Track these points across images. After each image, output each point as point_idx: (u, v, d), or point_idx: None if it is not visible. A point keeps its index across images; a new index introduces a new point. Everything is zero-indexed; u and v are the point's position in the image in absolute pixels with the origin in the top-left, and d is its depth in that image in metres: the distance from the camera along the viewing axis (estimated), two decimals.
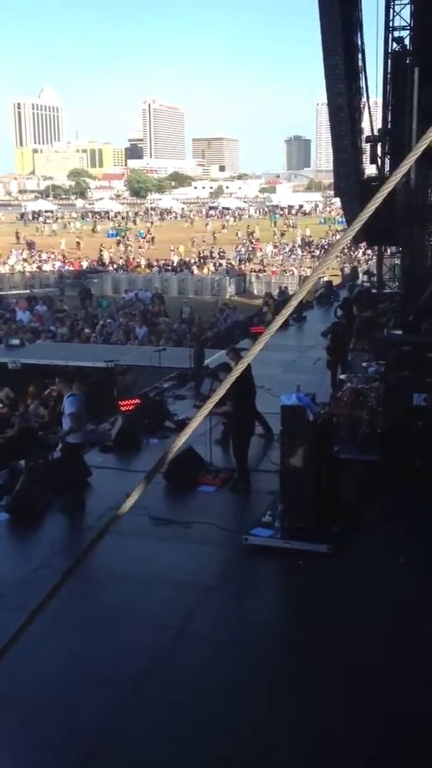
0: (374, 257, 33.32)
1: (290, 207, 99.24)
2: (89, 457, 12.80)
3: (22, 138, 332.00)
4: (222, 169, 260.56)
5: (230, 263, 51.49)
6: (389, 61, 21.09)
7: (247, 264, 52.18)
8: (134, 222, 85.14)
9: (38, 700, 6.66)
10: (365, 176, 22.71)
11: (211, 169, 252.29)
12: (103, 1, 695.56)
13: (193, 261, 52.15)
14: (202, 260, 51.96)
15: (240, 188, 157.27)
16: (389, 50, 21.12)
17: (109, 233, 70.75)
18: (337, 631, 7.73)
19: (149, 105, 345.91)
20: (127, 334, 28.95)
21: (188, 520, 10.30)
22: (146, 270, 49.26)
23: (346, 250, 46.99)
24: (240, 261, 53.20)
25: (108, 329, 30.01)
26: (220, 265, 50.87)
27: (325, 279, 33.43)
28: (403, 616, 7.86)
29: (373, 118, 23.13)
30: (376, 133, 22.87)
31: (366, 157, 22.97)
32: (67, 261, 53.50)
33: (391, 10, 20.83)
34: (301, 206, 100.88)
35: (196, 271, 48.62)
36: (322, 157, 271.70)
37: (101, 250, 55.98)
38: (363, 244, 40.74)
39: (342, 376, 14.73)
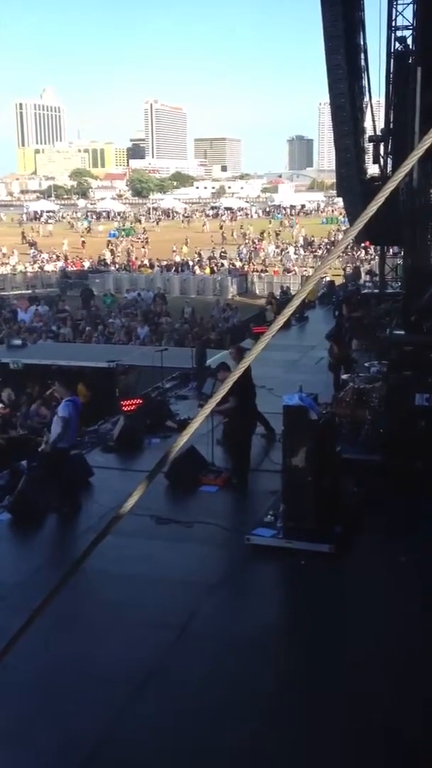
0: (376, 257, 33.28)
1: (292, 207, 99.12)
2: (91, 457, 12.81)
3: (24, 138, 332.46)
4: (224, 169, 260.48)
5: (232, 263, 51.50)
6: (392, 60, 21.06)
7: (249, 264, 52.17)
8: (139, 221, 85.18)
9: (39, 701, 6.65)
10: (368, 176, 22.70)
11: (213, 169, 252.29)
12: (105, 1, 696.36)
13: (191, 261, 52.13)
14: (199, 262, 51.96)
15: (242, 188, 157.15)
16: (392, 50, 21.08)
17: (112, 233, 70.69)
18: (339, 632, 7.71)
19: (151, 105, 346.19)
20: (128, 334, 28.98)
21: (190, 519, 10.29)
22: (148, 270, 49.31)
23: (348, 250, 46.97)
24: (241, 260, 53.20)
25: (110, 329, 30.03)
26: (222, 265, 50.88)
27: (328, 279, 33.41)
28: (405, 616, 7.85)
29: (375, 117, 23.13)
30: (378, 132, 22.84)
31: (369, 157, 22.94)
32: (69, 261, 53.57)
33: (394, 10, 20.81)
34: (303, 206, 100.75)
35: (198, 271, 48.63)
36: (325, 156, 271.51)
37: (111, 249, 56.29)
38: (365, 244, 40.71)
39: (344, 376, 14.71)
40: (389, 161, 22.03)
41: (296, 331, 24.90)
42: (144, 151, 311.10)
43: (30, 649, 6.08)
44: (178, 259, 53.76)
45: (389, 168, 22.06)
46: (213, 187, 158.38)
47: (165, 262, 51.71)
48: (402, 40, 21.10)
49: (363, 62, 20.96)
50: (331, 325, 19.21)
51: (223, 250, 57.40)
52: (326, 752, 5.96)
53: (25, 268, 51.74)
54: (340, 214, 71.63)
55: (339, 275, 39.64)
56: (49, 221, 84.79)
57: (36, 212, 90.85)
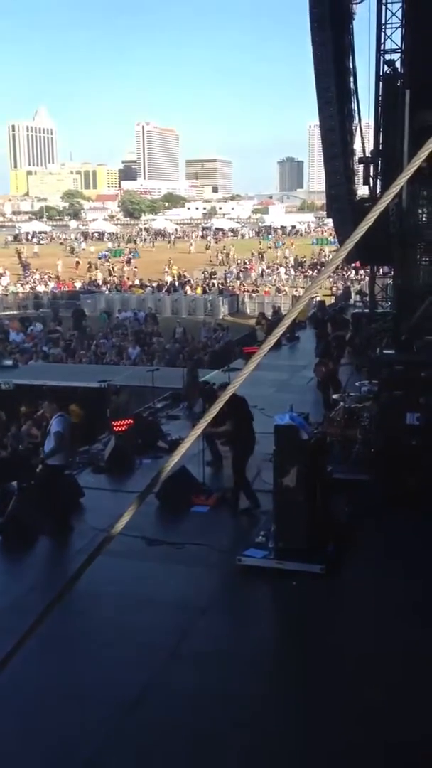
0: (366, 277, 33.42)
1: (283, 227, 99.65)
2: (82, 478, 12.76)
3: (16, 160, 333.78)
4: (215, 190, 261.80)
5: (222, 284, 51.69)
6: (380, 83, 21.26)
7: (240, 284, 52.36)
8: (134, 242, 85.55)
9: (30, 723, 6.58)
10: (358, 197, 22.82)
11: (205, 191, 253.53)
12: (97, 24, 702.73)
13: (172, 283, 52.35)
14: (188, 282, 52.17)
15: (233, 209, 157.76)
16: (380, 73, 21.29)
17: (102, 254, 70.88)
18: (330, 653, 7.67)
19: (143, 127, 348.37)
20: (120, 354, 29.00)
21: (181, 540, 10.26)
22: (140, 290, 49.41)
23: (338, 270, 47.16)
24: (226, 280, 53.42)
25: (101, 349, 30.05)
26: (213, 285, 51.03)
27: (318, 299, 33.52)
28: (398, 636, 7.82)
29: (365, 139, 23.31)
30: (368, 154, 23.03)
31: (359, 178, 23.10)
32: (61, 282, 53.65)
33: (383, 34, 21.03)
34: (293, 227, 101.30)
35: (189, 291, 48.76)
36: (315, 178, 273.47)
37: (109, 269, 56.74)
38: (356, 264, 40.86)
39: (335, 396, 14.75)
40: (379, 182, 22.19)
41: (287, 351, 24.97)
42: (136, 172, 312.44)
43: (20, 672, 6.02)
44: (169, 279, 53.90)
45: (379, 189, 22.22)
46: (204, 208, 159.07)
47: (156, 283, 51.83)
48: (390, 63, 21.29)
49: (352, 85, 21.14)
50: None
51: (213, 270, 57.65)
52: None
53: (17, 288, 51.73)
54: (330, 234, 71.92)
55: (328, 295, 39.80)
56: (41, 242, 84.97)
57: (27, 233, 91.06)
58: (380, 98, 21.14)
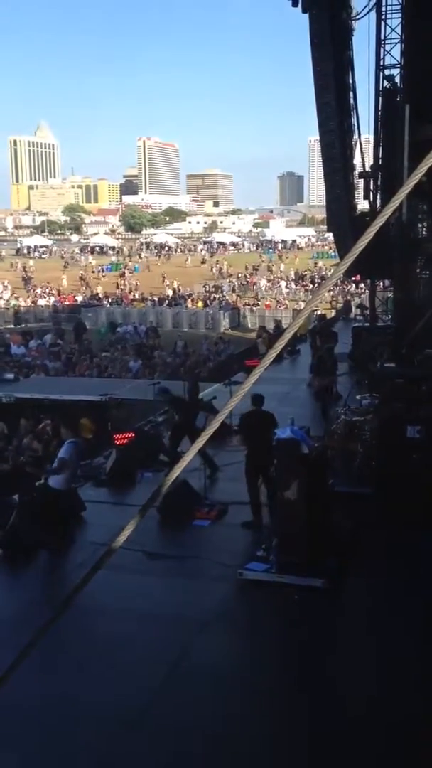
0: (367, 291, 33.49)
1: (284, 241, 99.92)
2: (83, 491, 12.74)
3: (18, 175, 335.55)
4: (216, 204, 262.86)
5: (224, 297, 51.82)
6: (380, 98, 21.39)
7: (239, 298, 52.48)
8: (139, 255, 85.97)
9: (30, 738, 6.55)
10: (358, 211, 22.90)
11: (206, 205, 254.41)
12: (99, 41, 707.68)
13: (173, 296, 52.50)
14: (190, 295, 52.33)
15: (234, 223, 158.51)
16: (380, 88, 21.42)
17: (106, 267, 71.20)
18: (332, 667, 7.63)
19: (144, 142, 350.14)
20: (121, 368, 29.02)
21: (182, 554, 10.23)
22: (141, 304, 49.52)
23: (338, 284, 47.26)
24: (223, 293, 53.56)
25: (102, 363, 30.10)
26: (215, 299, 51.14)
27: (318, 312, 33.56)
28: (399, 650, 7.78)
29: (365, 154, 23.41)
30: (368, 169, 23.13)
31: (359, 193, 23.19)
32: (62, 296, 53.77)
33: (382, 49, 21.17)
34: (294, 241, 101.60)
35: (190, 304, 48.87)
36: (315, 192, 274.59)
37: (117, 283, 56.99)
38: (356, 278, 40.96)
39: (339, 409, 14.76)
40: (379, 197, 22.28)
41: (288, 365, 24.97)
42: (137, 186, 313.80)
43: (21, 686, 5.99)
44: (170, 292, 54.03)
45: (379, 203, 22.31)
46: (205, 222, 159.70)
47: (157, 297, 51.96)
48: (390, 78, 21.44)
49: (352, 100, 21.25)
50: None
51: (215, 285, 57.80)
52: None
53: (18, 302, 51.83)
54: (330, 248, 72.05)
55: (328, 309, 39.86)
56: (42, 256, 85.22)
57: (29, 247, 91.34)
58: (380, 113, 21.27)
